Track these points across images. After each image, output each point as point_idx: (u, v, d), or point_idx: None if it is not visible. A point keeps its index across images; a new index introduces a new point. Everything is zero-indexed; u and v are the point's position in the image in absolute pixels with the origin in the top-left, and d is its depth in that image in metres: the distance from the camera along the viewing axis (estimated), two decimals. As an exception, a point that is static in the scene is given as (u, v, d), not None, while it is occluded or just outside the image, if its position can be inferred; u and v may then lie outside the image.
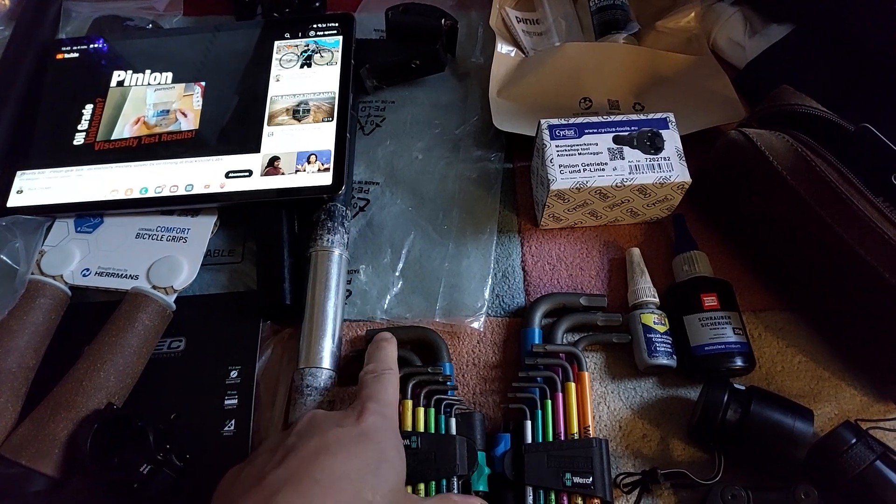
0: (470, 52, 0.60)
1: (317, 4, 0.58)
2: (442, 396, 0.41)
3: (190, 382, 0.42)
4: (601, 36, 0.58)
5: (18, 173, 0.49)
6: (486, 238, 0.49)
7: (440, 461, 0.38)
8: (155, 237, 0.47)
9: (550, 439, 0.39)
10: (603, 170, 0.45)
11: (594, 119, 0.47)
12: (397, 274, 0.48)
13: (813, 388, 0.44)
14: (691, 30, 0.59)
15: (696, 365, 0.42)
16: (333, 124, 0.49)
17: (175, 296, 0.44)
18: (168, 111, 0.51)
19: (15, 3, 0.58)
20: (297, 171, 0.47)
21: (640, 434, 0.42)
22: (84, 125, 0.51)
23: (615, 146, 0.46)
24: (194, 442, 0.39)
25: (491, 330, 0.46)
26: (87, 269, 0.45)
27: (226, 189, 0.47)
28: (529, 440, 0.39)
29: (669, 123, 0.47)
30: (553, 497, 0.37)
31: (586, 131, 0.46)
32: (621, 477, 0.40)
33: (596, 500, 0.37)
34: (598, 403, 0.43)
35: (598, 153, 0.46)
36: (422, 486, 0.38)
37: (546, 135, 0.46)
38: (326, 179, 0.47)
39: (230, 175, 0.48)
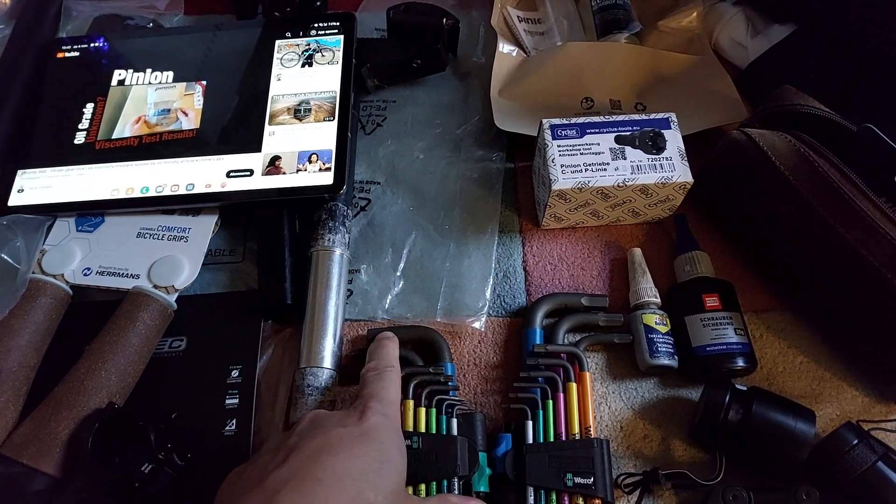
0: (471, 51, 0.60)
1: (318, 3, 0.58)
2: (443, 397, 0.41)
3: (191, 382, 0.42)
4: (603, 35, 0.58)
5: (19, 172, 0.49)
6: (488, 238, 0.49)
7: (441, 462, 0.38)
8: (156, 236, 0.47)
9: (552, 440, 0.39)
10: (605, 170, 0.45)
11: (596, 119, 0.47)
12: (398, 274, 0.48)
13: (814, 388, 0.44)
14: (693, 30, 0.59)
15: (698, 365, 0.42)
16: (335, 124, 0.49)
17: (176, 295, 0.44)
18: (169, 110, 0.51)
19: (15, 1, 0.58)
20: (298, 170, 0.47)
21: (642, 434, 0.42)
22: (85, 124, 0.51)
23: (617, 146, 0.46)
24: (195, 441, 0.39)
25: (492, 330, 0.46)
26: (89, 269, 0.45)
27: (227, 188, 0.47)
28: (530, 440, 0.39)
29: (671, 123, 0.47)
30: (554, 497, 0.37)
31: (588, 131, 0.46)
32: (622, 477, 0.40)
33: (597, 501, 0.37)
34: (600, 404, 0.43)
35: (599, 153, 0.46)
36: (423, 487, 0.38)
37: (548, 134, 0.46)
38: (327, 179, 0.47)
39: (231, 174, 0.48)
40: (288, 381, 0.43)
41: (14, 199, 0.48)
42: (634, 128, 0.47)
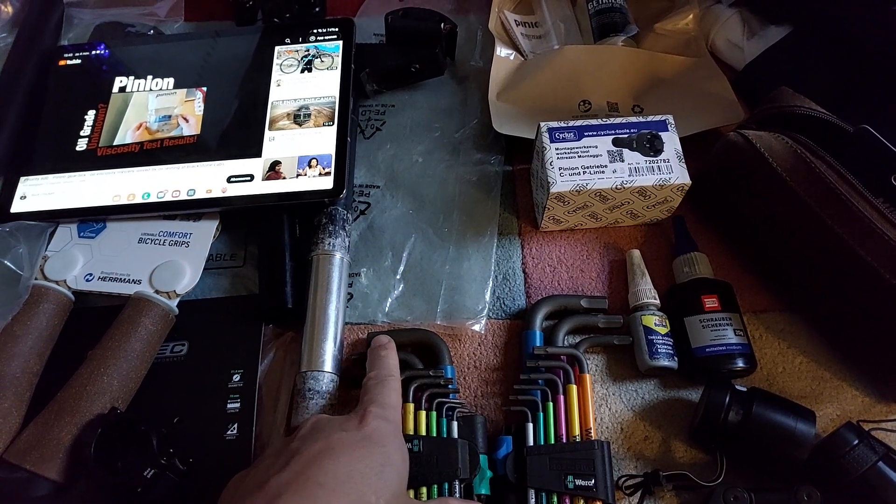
0: (469, 55, 0.60)
1: (317, 10, 0.58)
2: (443, 399, 0.41)
3: (193, 386, 0.43)
4: (600, 39, 0.58)
5: (22, 179, 0.49)
6: (487, 241, 0.50)
7: (442, 465, 0.38)
8: (157, 242, 0.47)
9: (552, 442, 0.39)
10: (603, 172, 0.45)
11: (594, 121, 0.47)
12: (398, 277, 0.48)
13: (814, 389, 0.44)
14: (690, 32, 0.59)
15: (698, 366, 0.42)
16: (334, 128, 0.50)
17: (177, 300, 0.44)
18: (170, 116, 0.51)
19: (18, 9, 0.58)
20: (298, 175, 0.48)
21: (642, 436, 0.42)
22: (86, 131, 0.51)
23: (615, 148, 0.46)
24: (197, 446, 0.39)
25: (492, 332, 0.46)
26: (91, 274, 0.45)
27: (227, 194, 0.47)
28: (531, 443, 0.39)
29: (669, 125, 0.47)
30: (555, 499, 0.37)
31: (586, 134, 0.47)
32: (623, 479, 0.40)
33: (598, 503, 0.37)
34: (600, 405, 0.43)
35: (597, 155, 0.46)
36: (424, 490, 0.38)
37: (546, 137, 0.46)
38: (327, 183, 0.47)
39: (232, 180, 0.48)
40: (289, 385, 0.43)
41: (17, 206, 0.48)
42: (632, 130, 0.47)
